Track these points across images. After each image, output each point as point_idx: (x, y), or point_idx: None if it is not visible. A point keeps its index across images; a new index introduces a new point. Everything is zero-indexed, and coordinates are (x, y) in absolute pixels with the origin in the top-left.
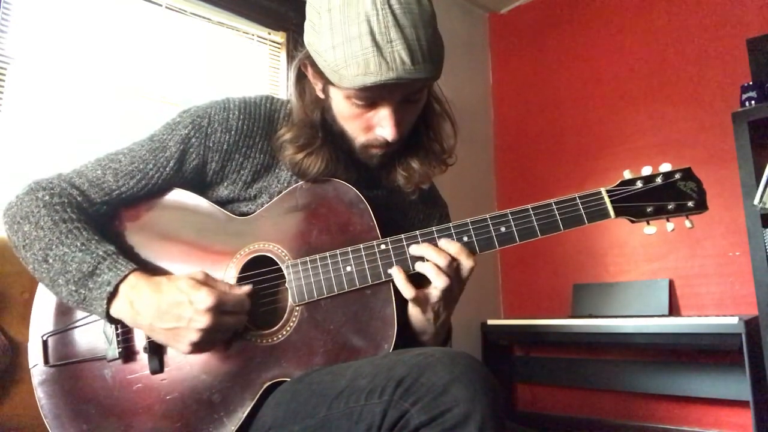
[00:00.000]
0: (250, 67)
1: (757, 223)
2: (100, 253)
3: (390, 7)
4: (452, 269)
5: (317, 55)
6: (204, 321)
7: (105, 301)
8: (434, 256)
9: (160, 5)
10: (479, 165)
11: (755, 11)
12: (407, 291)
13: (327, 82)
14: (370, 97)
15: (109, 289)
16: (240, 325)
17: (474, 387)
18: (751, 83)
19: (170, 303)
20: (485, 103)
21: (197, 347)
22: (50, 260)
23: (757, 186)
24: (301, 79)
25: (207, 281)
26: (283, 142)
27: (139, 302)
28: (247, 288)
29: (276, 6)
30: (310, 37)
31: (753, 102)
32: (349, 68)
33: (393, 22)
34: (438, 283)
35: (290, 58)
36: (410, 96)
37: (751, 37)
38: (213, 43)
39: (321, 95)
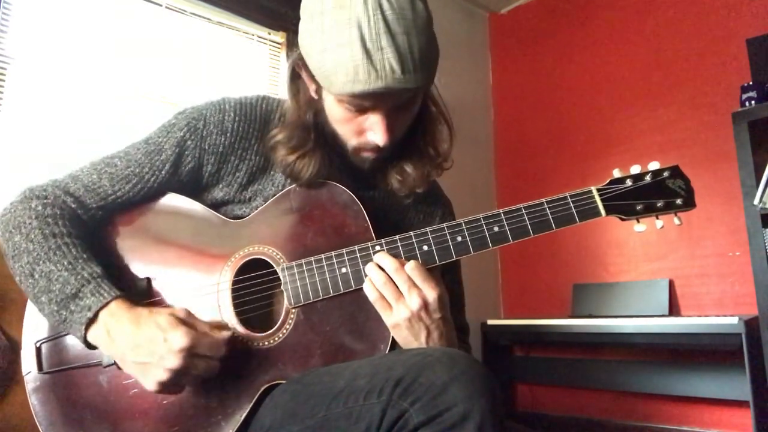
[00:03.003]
0: (250, 67)
1: (757, 223)
2: (85, 275)
3: (382, 13)
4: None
5: (309, 57)
6: (174, 361)
7: (83, 326)
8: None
9: (160, 5)
10: (479, 165)
11: (755, 11)
12: (370, 292)
13: (318, 85)
14: (361, 103)
15: (89, 314)
16: (212, 372)
17: (473, 386)
18: (751, 83)
19: (145, 338)
20: (485, 103)
21: (163, 387)
22: (36, 276)
23: (757, 186)
24: (295, 79)
25: (187, 320)
26: (275, 143)
27: (116, 331)
28: (226, 333)
29: (276, 6)
30: (303, 39)
31: (753, 102)
32: (338, 74)
33: (384, 28)
34: (377, 283)
35: (290, 58)
36: (402, 103)
37: (751, 37)
38: (213, 43)
39: (315, 96)
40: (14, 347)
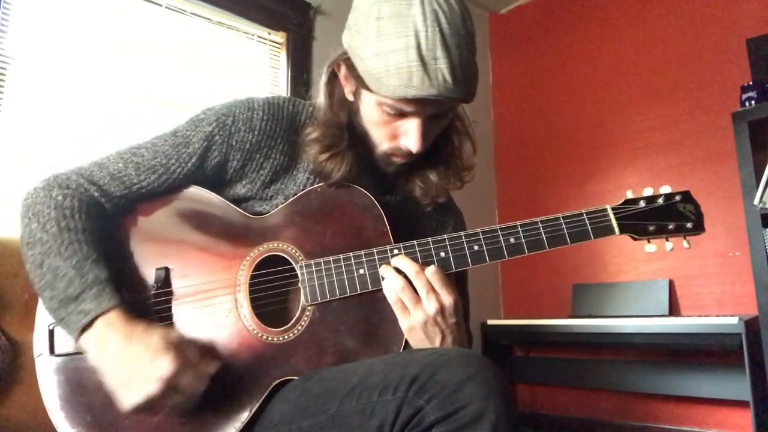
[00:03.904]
0: (250, 67)
1: (757, 223)
2: (90, 278)
3: (439, 26)
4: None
5: (358, 59)
6: (151, 388)
7: (78, 330)
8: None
9: (160, 5)
10: (479, 165)
11: (755, 11)
12: (389, 294)
13: (361, 86)
14: (404, 108)
15: (85, 320)
16: (186, 405)
17: (488, 386)
18: (751, 83)
19: (132, 357)
20: (485, 103)
21: (136, 409)
22: (44, 268)
23: (757, 186)
24: (332, 79)
25: (178, 346)
26: (310, 140)
27: (107, 343)
28: (213, 366)
29: (276, 6)
30: (352, 41)
31: (753, 102)
32: (391, 78)
33: (441, 41)
34: (396, 286)
35: (290, 58)
36: (440, 112)
37: (751, 37)
38: (213, 43)
39: (350, 98)
40: (14, 347)
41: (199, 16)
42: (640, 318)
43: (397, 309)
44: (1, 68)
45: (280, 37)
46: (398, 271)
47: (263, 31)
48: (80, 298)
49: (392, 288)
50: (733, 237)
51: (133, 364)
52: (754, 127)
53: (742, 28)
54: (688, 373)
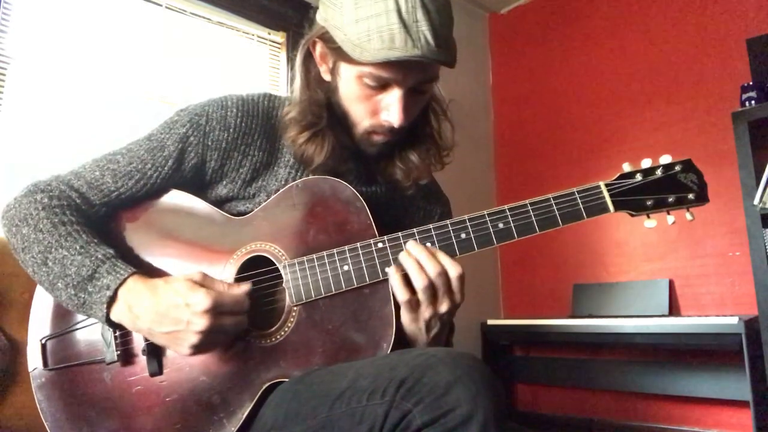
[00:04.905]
0: (250, 67)
1: (757, 223)
2: (99, 256)
3: None
4: (434, 274)
5: (336, 29)
6: (202, 323)
7: (104, 306)
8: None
9: (160, 5)
10: (479, 164)
11: (755, 11)
12: (400, 293)
13: (339, 59)
14: (385, 77)
15: (109, 293)
16: (241, 327)
17: (476, 387)
18: (751, 83)
19: (167, 306)
20: (485, 103)
21: (197, 350)
22: (49, 263)
23: (757, 186)
24: (307, 59)
25: (204, 282)
26: (288, 120)
27: (138, 306)
28: (245, 287)
29: (276, 6)
30: (327, 13)
31: (753, 102)
32: (373, 42)
33: (420, 3)
34: (418, 284)
35: (290, 58)
36: (421, 85)
37: (751, 37)
38: (213, 43)
39: (326, 77)
40: (14, 347)
41: (199, 16)
42: (640, 318)
43: (407, 307)
44: (1, 68)
45: (280, 37)
46: (422, 269)
47: (263, 31)
48: (96, 275)
49: (403, 286)
50: (733, 237)
51: (172, 314)
52: (754, 127)
53: (742, 28)
54: (688, 373)
